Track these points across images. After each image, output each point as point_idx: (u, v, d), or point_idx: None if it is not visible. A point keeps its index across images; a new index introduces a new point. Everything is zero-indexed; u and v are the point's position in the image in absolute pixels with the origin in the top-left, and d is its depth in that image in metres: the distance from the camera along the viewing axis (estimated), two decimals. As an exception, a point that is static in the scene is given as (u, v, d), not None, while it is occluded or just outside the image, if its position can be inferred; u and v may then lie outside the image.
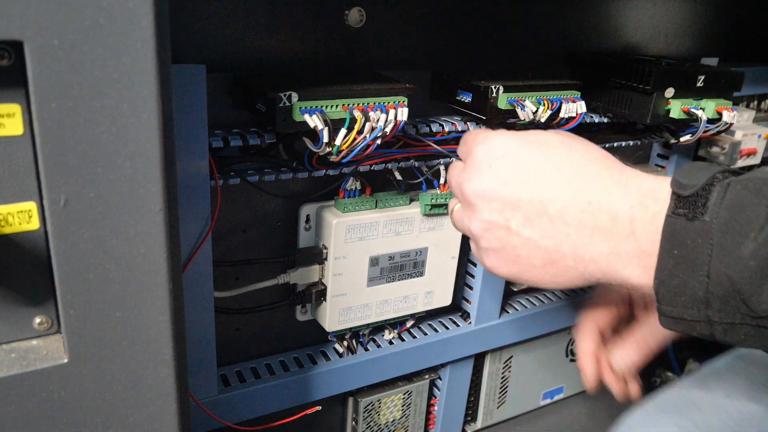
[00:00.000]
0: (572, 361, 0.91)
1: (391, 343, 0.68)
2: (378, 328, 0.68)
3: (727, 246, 0.30)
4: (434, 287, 0.66)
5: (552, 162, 0.38)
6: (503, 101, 0.57)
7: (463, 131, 0.61)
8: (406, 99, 0.51)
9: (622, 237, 0.34)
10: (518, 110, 0.58)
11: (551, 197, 0.36)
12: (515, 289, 0.78)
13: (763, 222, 0.30)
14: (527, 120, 0.58)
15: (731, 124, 0.68)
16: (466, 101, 0.59)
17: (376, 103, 0.50)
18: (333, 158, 0.50)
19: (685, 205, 0.32)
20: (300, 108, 0.47)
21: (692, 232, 0.31)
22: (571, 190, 0.36)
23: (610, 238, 0.35)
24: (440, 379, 0.77)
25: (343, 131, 0.48)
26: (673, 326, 0.33)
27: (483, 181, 0.40)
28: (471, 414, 0.85)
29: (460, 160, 0.46)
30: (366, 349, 0.67)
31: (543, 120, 0.59)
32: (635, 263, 0.34)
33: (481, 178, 0.40)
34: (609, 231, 0.35)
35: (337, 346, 0.66)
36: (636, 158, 0.85)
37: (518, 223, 0.38)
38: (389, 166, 0.59)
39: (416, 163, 0.60)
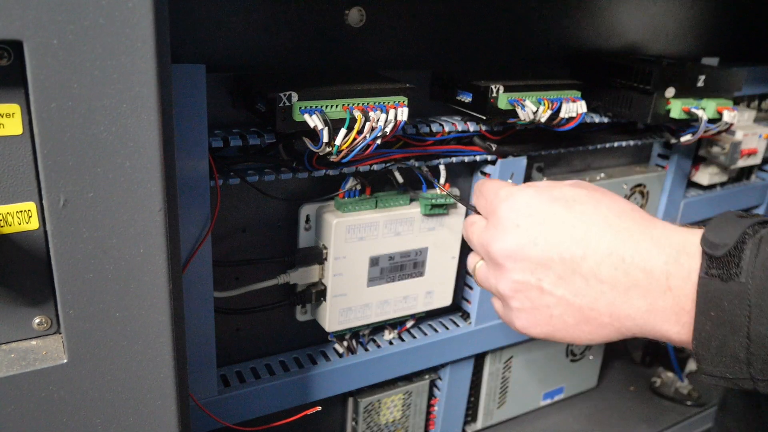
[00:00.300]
0: (572, 361, 0.91)
1: (391, 343, 0.68)
2: (378, 328, 0.68)
3: (765, 308, 0.30)
4: (434, 287, 0.66)
5: (580, 219, 0.37)
6: (503, 101, 0.57)
7: (463, 131, 0.61)
8: (406, 99, 0.51)
9: (658, 293, 0.34)
10: (518, 110, 0.57)
11: (583, 255, 0.36)
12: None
13: None
14: (527, 120, 0.58)
15: (732, 124, 0.68)
16: (466, 101, 0.59)
17: (376, 103, 0.50)
18: (333, 158, 0.50)
19: (718, 266, 0.31)
20: (300, 108, 0.47)
21: (728, 294, 0.31)
22: (603, 248, 0.36)
23: (647, 294, 0.34)
24: (440, 379, 0.77)
25: (343, 131, 0.48)
26: (714, 383, 0.33)
27: (511, 241, 0.39)
28: (471, 414, 0.85)
29: (477, 212, 0.45)
30: (366, 350, 0.67)
31: (543, 120, 0.59)
32: (674, 320, 0.34)
33: (508, 238, 0.39)
34: (645, 288, 0.34)
35: (337, 346, 0.66)
36: (636, 158, 0.86)
37: (551, 282, 0.37)
38: (389, 166, 0.59)
39: (416, 163, 0.60)
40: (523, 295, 0.39)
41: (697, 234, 0.34)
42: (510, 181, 0.51)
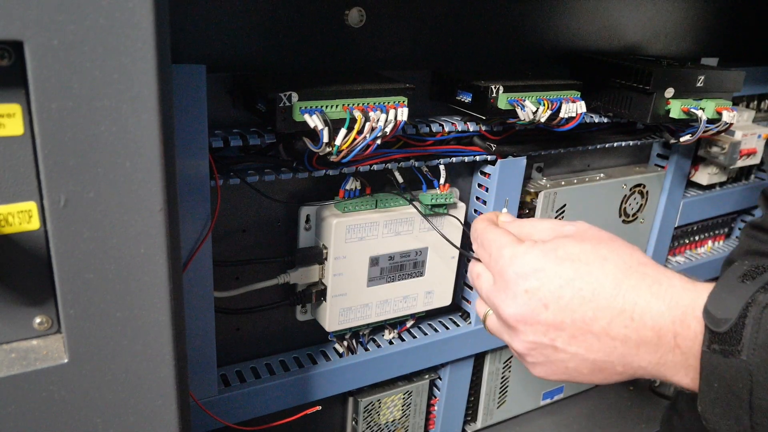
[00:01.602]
0: (572, 361, 0.90)
1: (391, 343, 0.68)
2: (378, 328, 0.68)
3: (766, 385, 0.31)
4: (434, 287, 0.66)
5: (587, 280, 0.38)
6: (503, 101, 0.57)
7: (463, 131, 0.61)
8: (406, 99, 0.51)
9: (667, 350, 0.35)
10: (518, 110, 0.58)
11: (594, 316, 0.37)
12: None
13: None
14: (527, 120, 0.58)
15: (731, 124, 0.68)
16: (466, 101, 0.59)
17: (376, 103, 0.50)
18: (333, 158, 0.50)
19: (720, 341, 0.33)
20: (300, 108, 0.47)
21: (730, 369, 0.32)
22: (611, 308, 0.37)
23: (656, 351, 0.36)
24: (440, 379, 0.77)
25: (343, 131, 0.48)
26: None
27: (522, 306, 0.40)
28: (471, 414, 0.85)
29: (477, 260, 0.46)
30: (366, 349, 0.67)
31: (543, 120, 0.59)
32: (683, 373, 0.35)
33: (518, 303, 0.40)
34: (655, 345, 0.36)
35: (337, 346, 0.66)
36: (636, 158, 0.86)
37: (564, 341, 0.39)
38: (389, 166, 0.59)
39: (416, 163, 0.60)
40: (537, 352, 0.40)
41: (703, 293, 0.35)
42: (505, 210, 0.52)
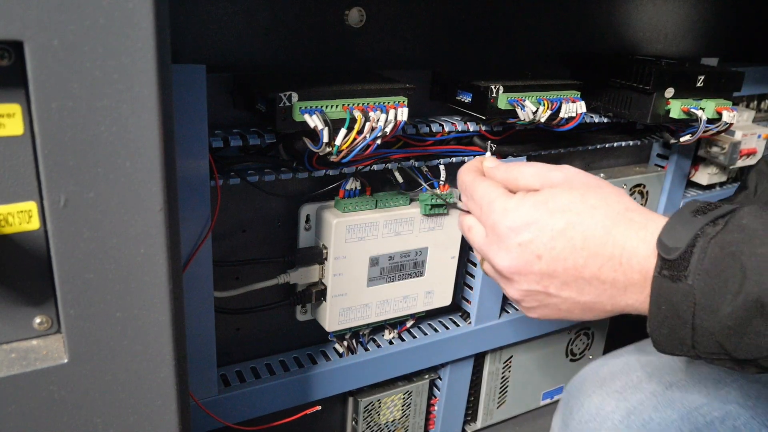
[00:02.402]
0: (572, 360, 0.91)
1: (391, 343, 0.68)
2: (378, 328, 0.68)
3: (707, 307, 0.34)
4: (434, 287, 0.66)
5: (578, 230, 0.40)
6: (503, 101, 0.57)
7: (463, 131, 0.61)
8: (406, 99, 0.51)
9: None
10: (518, 110, 0.58)
11: (585, 263, 0.39)
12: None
13: (738, 287, 0.33)
14: (527, 120, 0.58)
15: (731, 124, 0.68)
16: (466, 101, 0.59)
17: (376, 103, 0.50)
18: (333, 158, 0.50)
19: (669, 267, 0.36)
20: (300, 108, 0.47)
21: (677, 293, 0.35)
22: (602, 256, 0.39)
23: (643, 290, 0.38)
24: (440, 379, 0.77)
25: (343, 131, 0.48)
26: (668, 354, 0.38)
27: (516, 258, 0.42)
28: (471, 414, 0.85)
29: (467, 212, 0.47)
30: (366, 349, 0.67)
31: (543, 120, 0.59)
32: None
33: (512, 255, 0.42)
34: (641, 285, 0.38)
35: (337, 346, 0.66)
36: (636, 158, 0.86)
37: (556, 287, 0.41)
38: (389, 166, 0.59)
39: (416, 163, 0.60)
40: (531, 298, 0.43)
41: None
42: (488, 154, 0.52)
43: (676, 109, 0.66)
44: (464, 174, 0.48)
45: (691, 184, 0.91)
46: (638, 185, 0.81)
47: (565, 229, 0.40)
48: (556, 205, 0.41)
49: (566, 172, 0.44)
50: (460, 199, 0.48)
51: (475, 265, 0.71)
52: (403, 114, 0.50)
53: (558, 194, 0.42)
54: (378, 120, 0.49)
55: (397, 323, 0.69)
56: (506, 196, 0.43)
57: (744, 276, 0.33)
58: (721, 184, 0.93)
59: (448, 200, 0.57)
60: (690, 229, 0.36)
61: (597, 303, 0.40)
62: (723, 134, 0.72)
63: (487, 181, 0.46)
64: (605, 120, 0.70)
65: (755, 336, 0.33)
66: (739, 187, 0.60)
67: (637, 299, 0.39)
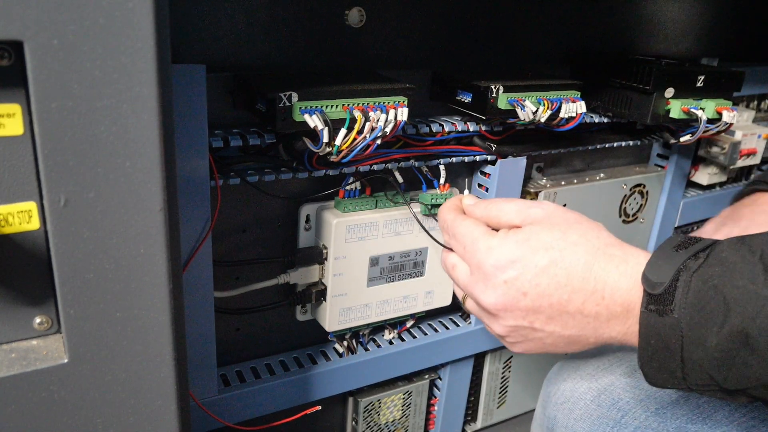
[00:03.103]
0: (572, 361, 0.91)
1: (391, 343, 0.68)
2: (378, 328, 0.68)
3: (694, 339, 0.35)
4: (434, 287, 0.66)
5: (561, 266, 0.41)
6: (503, 101, 0.57)
7: (463, 131, 0.61)
8: (406, 99, 0.51)
9: (635, 321, 0.39)
10: (518, 110, 0.58)
11: (569, 299, 0.41)
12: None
13: (722, 319, 0.34)
14: (527, 120, 0.58)
15: (731, 124, 0.68)
16: (466, 101, 0.59)
17: (376, 103, 0.50)
18: (333, 158, 0.50)
19: (655, 302, 0.37)
20: (300, 108, 0.47)
21: (665, 327, 0.36)
22: (585, 291, 0.40)
23: (625, 322, 0.40)
24: (440, 379, 0.77)
25: (343, 131, 0.48)
26: (659, 387, 0.39)
27: (501, 296, 0.43)
28: (471, 414, 0.85)
29: (449, 249, 0.48)
30: (366, 349, 0.67)
31: (543, 120, 0.59)
32: None
33: (498, 293, 0.43)
34: (623, 317, 0.40)
35: (337, 346, 0.66)
36: (636, 158, 0.86)
37: (542, 322, 0.42)
38: (389, 166, 0.59)
39: (416, 163, 0.60)
40: (517, 333, 0.44)
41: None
42: (467, 192, 0.53)
43: (676, 109, 0.66)
44: (444, 213, 0.50)
45: (691, 184, 0.90)
46: (638, 185, 0.81)
47: (548, 266, 0.41)
48: (539, 242, 0.42)
49: (546, 208, 0.46)
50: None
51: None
52: (403, 114, 0.50)
53: (540, 231, 0.43)
54: (378, 120, 0.49)
55: (397, 323, 0.69)
56: (489, 235, 0.45)
57: (727, 308, 0.34)
58: (721, 184, 0.93)
59: (430, 234, 0.57)
60: (673, 264, 0.37)
61: (581, 336, 0.41)
62: (723, 134, 0.73)
63: (469, 219, 0.48)
64: (605, 120, 0.70)
65: (743, 367, 0.34)
66: None
67: (619, 331, 0.40)
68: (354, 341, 0.67)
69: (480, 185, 0.68)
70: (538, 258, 0.42)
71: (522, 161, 0.66)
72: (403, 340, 0.69)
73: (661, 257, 0.38)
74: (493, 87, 0.56)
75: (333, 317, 0.61)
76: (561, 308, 0.41)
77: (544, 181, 0.74)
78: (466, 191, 0.61)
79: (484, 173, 0.67)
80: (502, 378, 0.83)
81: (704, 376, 0.36)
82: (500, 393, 0.85)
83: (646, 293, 0.37)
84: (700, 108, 0.66)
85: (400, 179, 0.60)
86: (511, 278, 0.42)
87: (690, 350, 0.35)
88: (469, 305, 0.48)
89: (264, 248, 0.60)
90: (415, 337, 0.70)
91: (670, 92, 0.65)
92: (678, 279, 0.36)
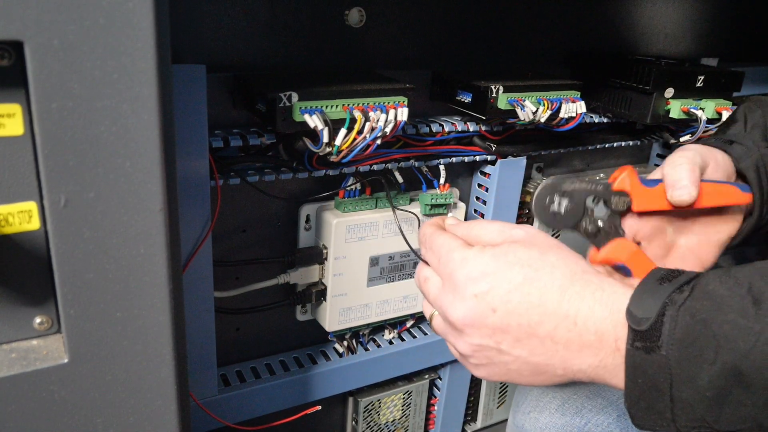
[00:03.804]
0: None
1: (391, 343, 0.68)
2: (378, 328, 0.68)
3: (684, 378, 0.34)
4: (434, 287, 0.66)
5: (536, 286, 0.39)
6: (503, 101, 0.57)
7: (463, 131, 0.61)
8: (406, 99, 0.51)
9: (608, 352, 0.37)
10: (518, 110, 0.58)
11: (540, 321, 0.38)
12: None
13: (713, 356, 0.33)
14: (527, 120, 0.58)
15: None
16: (466, 101, 0.59)
17: (376, 103, 0.50)
18: (333, 158, 0.50)
19: (641, 339, 0.35)
20: (300, 108, 0.47)
21: (652, 365, 0.34)
22: (557, 314, 0.38)
23: (597, 353, 0.37)
24: (440, 379, 0.77)
25: (343, 131, 0.48)
26: (647, 430, 0.37)
27: (470, 309, 0.40)
28: (471, 414, 0.85)
29: (426, 263, 0.46)
30: (366, 349, 0.67)
31: (543, 120, 0.59)
32: (621, 376, 0.37)
33: (467, 306, 0.40)
34: (596, 348, 0.37)
35: (337, 346, 0.66)
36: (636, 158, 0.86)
37: (508, 344, 0.40)
38: (389, 166, 0.59)
39: (416, 163, 0.60)
40: (481, 354, 0.42)
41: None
42: (451, 214, 0.52)
43: (676, 109, 0.66)
44: (425, 227, 0.48)
45: (691, 184, 0.90)
46: (638, 185, 0.81)
47: (522, 283, 0.39)
48: (516, 258, 0.40)
49: (528, 230, 0.43)
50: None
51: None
52: (403, 114, 0.50)
53: (518, 249, 0.41)
54: (378, 120, 0.49)
55: (397, 323, 0.69)
56: (465, 247, 0.43)
57: (718, 344, 0.33)
58: (721, 184, 0.93)
59: (410, 246, 0.56)
60: (657, 298, 0.35)
61: (548, 365, 0.39)
62: (723, 134, 0.72)
63: (448, 233, 0.45)
64: (605, 120, 0.70)
65: (736, 406, 0.33)
66: (725, 123, 0.57)
67: (590, 364, 0.38)
68: (354, 341, 0.67)
69: (480, 185, 0.68)
70: (513, 274, 0.40)
71: (522, 161, 0.66)
72: (403, 340, 0.69)
73: (645, 291, 0.36)
74: (493, 87, 0.56)
75: (333, 317, 0.61)
76: (530, 330, 0.39)
77: (544, 181, 0.74)
78: (450, 213, 0.60)
79: (484, 173, 0.67)
80: (502, 378, 0.83)
81: (695, 417, 0.34)
82: (500, 393, 0.84)
83: (632, 330, 0.35)
84: (700, 108, 0.66)
85: (400, 179, 0.61)
86: (481, 292, 0.40)
87: (680, 389, 0.34)
88: (436, 323, 0.45)
89: (264, 248, 0.60)
90: (415, 337, 0.70)
91: (669, 92, 0.65)
92: (664, 314, 0.35)
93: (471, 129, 0.61)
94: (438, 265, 0.44)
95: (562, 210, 0.47)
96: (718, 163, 0.50)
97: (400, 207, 0.61)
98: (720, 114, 0.67)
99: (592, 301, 0.38)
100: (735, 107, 0.64)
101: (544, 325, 0.38)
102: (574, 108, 0.60)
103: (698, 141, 0.57)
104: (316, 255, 0.59)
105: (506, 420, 0.88)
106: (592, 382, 0.39)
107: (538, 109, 0.58)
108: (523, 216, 0.74)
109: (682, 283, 0.36)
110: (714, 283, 0.35)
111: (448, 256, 0.43)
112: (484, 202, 0.68)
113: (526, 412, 0.55)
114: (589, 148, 0.73)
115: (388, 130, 0.50)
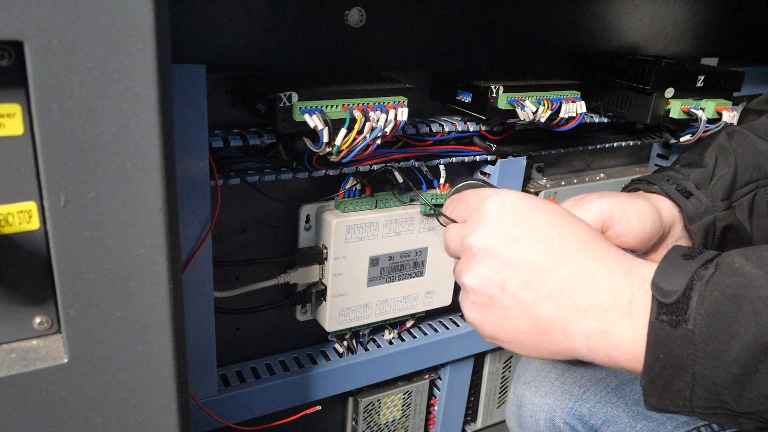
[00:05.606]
0: (572, 361, 0.91)
1: (391, 343, 0.68)
2: (378, 328, 0.68)
3: (710, 353, 0.33)
4: (434, 287, 0.66)
5: (560, 232, 0.38)
6: (503, 101, 0.57)
7: (463, 131, 0.61)
8: (405, 99, 0.51)
9: (617, 317, 0.35)
10: (518, 110, 0.58)
11: (554, 267, 0.37)
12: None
13: (743, 331, 0.32)
14: (527, 120, 0.58)
15: (731, 124, 0.68)
16: (466, 101, 0.59)
17: (376, 103, 0.50)
18: (333, 158, 0.50)
19: (668, 312, 0.34)
20: (300, 108, 0.47)
21: (677, 339, 0.33)
22: (575, 265, 0.37)
23: (606, 316, 0.36)
24: (440, 379, 0.77)
25: (343, 131, 0.48)
26: (657, 411, 0.36)
27: (489, 235, 0.39)
28: (471, 414, 0.85)
29: (452, 220, 0.45)
30: (366, 349, 0.67)
31: (543, 120, 0.59)
32: (626, 347, 0.35)
33: (487, 231, 0.40)
34: (606, 309, 0.36)
35: (337, 346, 0.66)
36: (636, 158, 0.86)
37: (515, 285, 0.38)
38: (389, 166, 0.59)
39: (416, 163, 0.60)
40: (483, 292, 0.40)
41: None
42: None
43: (676, 109, 0.66)
44: (455, 194, 0.47)
45: (691, 184, 0.90)
46: (638, 185, 0.81)
47: (545, 226, 0.38)
48: (545, 204, 0.40)
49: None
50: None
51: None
52: (403, 114, 0.50)
53: (550, 203, 0.41)
54: (378, 120, 0.49)
55: (397, 323, 0.69)
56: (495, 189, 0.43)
57: (747, 320, 0.32)
58: (721, 184, 0.93)
59: (436, 211, 0.54)
60: (684, 273, 0.34)
61: (549, 324, 0.37)
62: (723, 134, 0.72)
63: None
64: (605, 120, 0.70)
65: (761, 384, 0.32)
66: (689, 161, 0.55)
67: (593, 329, 0.36)
68: (354, 341, 0.67)
69: (480, 185, 0.68)
70: (540, 214, 0.39)
71: (522, 161, 0.66)
72: (403, 340, 0.69)
73: (670, 264, 0.35)
74: (493, 87, 0.56)
75: (333, 317, 0.61)
76: (543, 274, 0.37)
77: (544, 181, 0.74)
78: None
79: (484, 173, 0.67)
80: (502, 378, 0.83)
81: (714, 396, 0.33)
82: (500, 393, 0.84)
83: (657, 302, 0.34)
84: (700, 108, 0.66)
85: (400, 179, 0.61)
86: (506, 222, 0.39)
87: (704, 365, 0.33)
88: (453, 243, 0.43)
89: (264, 248, 0.60)
90: (415, 337, 0.70)
91: (670, 92, 0.65)
92: (692, 288, 0.33)
93: (471, 129, 0.61)
94: (465, 210, 0.43)
95: None
96: (637, 218, 0.48)
97: (413, 199, 0.61)
98: (720, 114, 0.67)
99: (611, 261, 0.37)
100: (717, 129, 0.63)
101: (558, 272, 0.37)
102: (574, 108, 0.60)
103: (670, 167, 0.55)
104: (316, 255, 0.59)
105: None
106: (587, 358, 0.37)
107: (538, 109, 0.58)
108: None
109: (705, 260, 0.35)
110: (740, 261, 0.34)
111: (479, 195, 0.42)
112: (484, 202, 0.68)
113: (527, 382, 0.56)
114: (589, 148, 0.73)
115: (388, 130, 0.50)
